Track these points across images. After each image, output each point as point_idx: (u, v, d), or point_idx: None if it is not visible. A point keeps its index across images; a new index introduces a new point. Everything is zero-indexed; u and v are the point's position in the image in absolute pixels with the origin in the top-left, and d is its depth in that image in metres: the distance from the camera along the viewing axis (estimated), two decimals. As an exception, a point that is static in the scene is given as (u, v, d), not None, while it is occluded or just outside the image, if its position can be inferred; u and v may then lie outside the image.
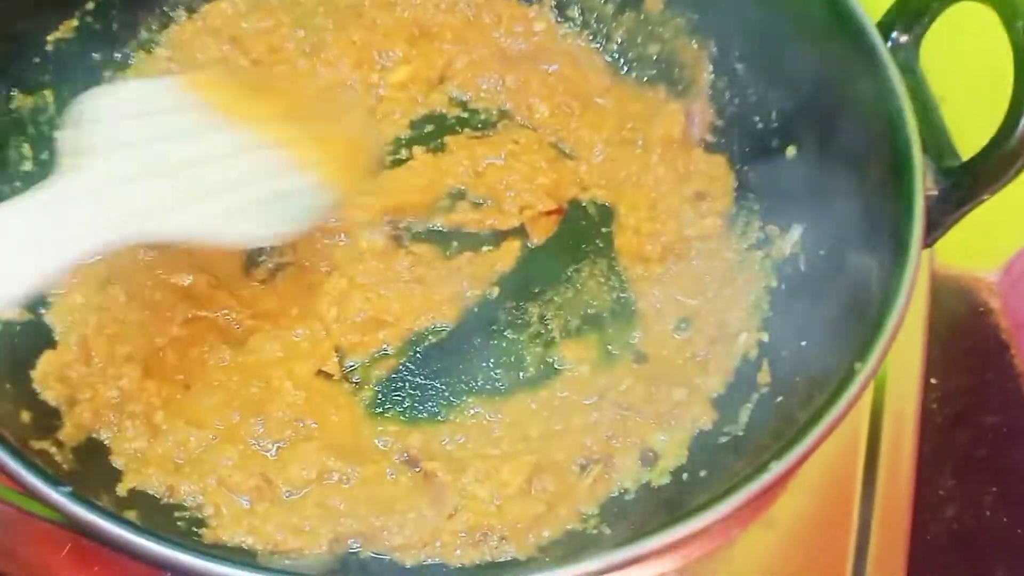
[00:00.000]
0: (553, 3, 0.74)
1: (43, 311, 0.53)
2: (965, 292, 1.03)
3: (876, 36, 0.57)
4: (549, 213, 0.62)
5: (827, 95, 0.61)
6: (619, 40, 0.73)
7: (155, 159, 0.52)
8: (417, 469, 0.52)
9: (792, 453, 0.46)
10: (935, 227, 0.56)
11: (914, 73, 0.59)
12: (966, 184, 0.55)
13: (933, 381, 0.98)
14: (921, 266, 0.65)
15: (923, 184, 0.54)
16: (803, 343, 0.56)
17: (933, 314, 1.03)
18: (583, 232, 0.63)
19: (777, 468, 0.46)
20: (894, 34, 0.59)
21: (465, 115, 0.68)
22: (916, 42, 0.60)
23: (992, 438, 0.94)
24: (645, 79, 0.72)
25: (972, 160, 0.55)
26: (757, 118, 0.66)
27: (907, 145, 0.53)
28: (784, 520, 0.64)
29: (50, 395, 0.51)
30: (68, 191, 0.49)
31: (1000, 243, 1.01)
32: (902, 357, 0.75)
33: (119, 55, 0.68)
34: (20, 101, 0.61)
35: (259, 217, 0.54)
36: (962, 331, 1.01)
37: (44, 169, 0.62)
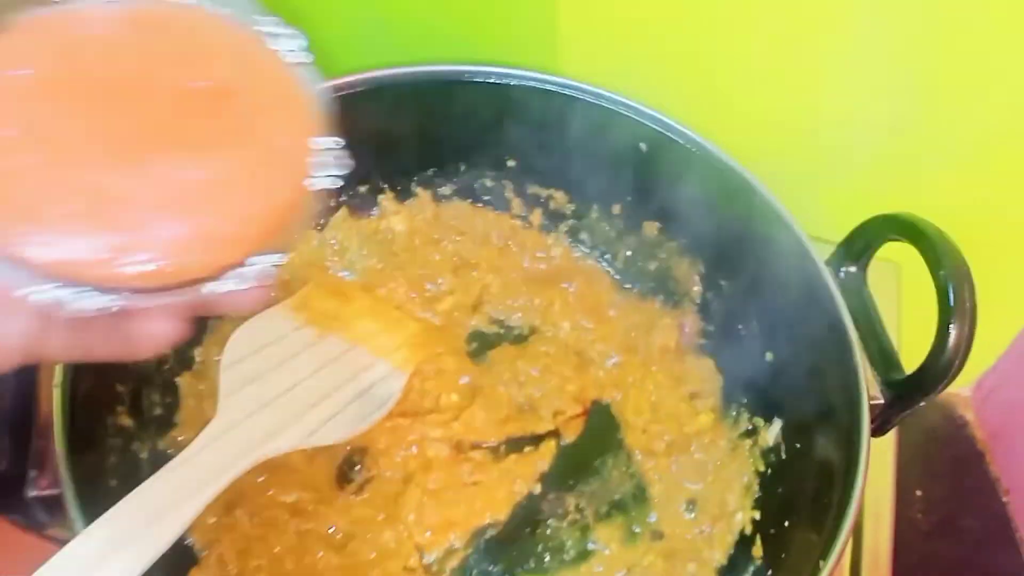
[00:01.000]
0: (566, 231, 0.82)
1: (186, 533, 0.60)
2: (943, 407, 1.11)
3: (828, 275, 0.66)
4: (577, 416, 0.72)
5: (793, 315, 0.70)
6: (623, 259, 0.82)
7: (273, 387, 0.60)
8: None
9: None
10: (884, 424, 0.65)
11: (862, 297, 0.68)
12: (908, 395, 0.63)
13: (918, 493, 1.06)
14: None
15: (869, 395, 0.62)
16: (786, 523, 0.65)
17: (915, 430, 1.12)
18: (605, 428, 0.72)
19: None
20: (843, 268, 0.69)
21: (502, 331, 0.77)
22: (863, 271, 0.69)
23: (971, 541, 1.02)
24: (645, 292, 0.82)
25: (911, 376, 0.63)
26: (740, 326, 0.76)
27: (855, 370, 0.62)
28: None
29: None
30: (207, 438, 0.56)
31: (971, 364, 1.13)
32: (878, 490, 0.80)
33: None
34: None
35: (353, 414, 0.63)
36: (942, 442, 1.09)
37: (169, 411, 0.69)
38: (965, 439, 1.11)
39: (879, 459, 0.76)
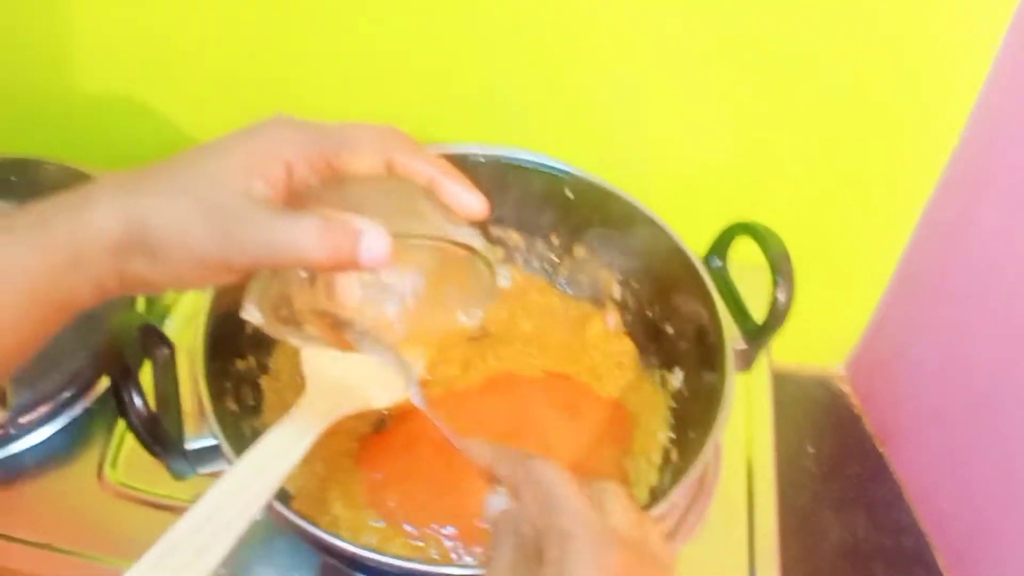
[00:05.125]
0: (521, 261, 1.01)
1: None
2: (824, 383, 1.31)
3: (701, 266, 0.85)
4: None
5: (681, 297, 0.88)
6: (563, 275, 1.01)
7: (338, 371, 0.76)
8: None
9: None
10: (748, 360, 0.84)
11: (726, 279, 0.86)
12: (758, 337, 0.82)
13: (810, 449, 1.21)
14: (763, 374, 0.97)
15: (732, 340, 0.80)
16: (691, 434, 0.81)
17: (804, 401, 1.33)
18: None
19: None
20: (713, 261, 0.88)
21: (479, 334, 0.94)
22: (724, 261, 0.88)
23: (857, 482, 1.18)
24: (580, 296, 1.00)
25: (759, 326, 0.81)
26: (648, 312, 0.94)
27: (720, 324, 0.80)
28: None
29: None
30: (299, 410, 0.71)
31: (841, 344, 1.29)
32: (760, 439, 0.92)
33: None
34: (239, 365, 0.86)
35: (393, 387, 0.78)
36: (826, 410, 1.28)
37: (258, 403, 0.86)
38: (843, 406, 1.28)
39: (760, 425, 0.94)
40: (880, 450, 1.24)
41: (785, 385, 0.99)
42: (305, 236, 0.48)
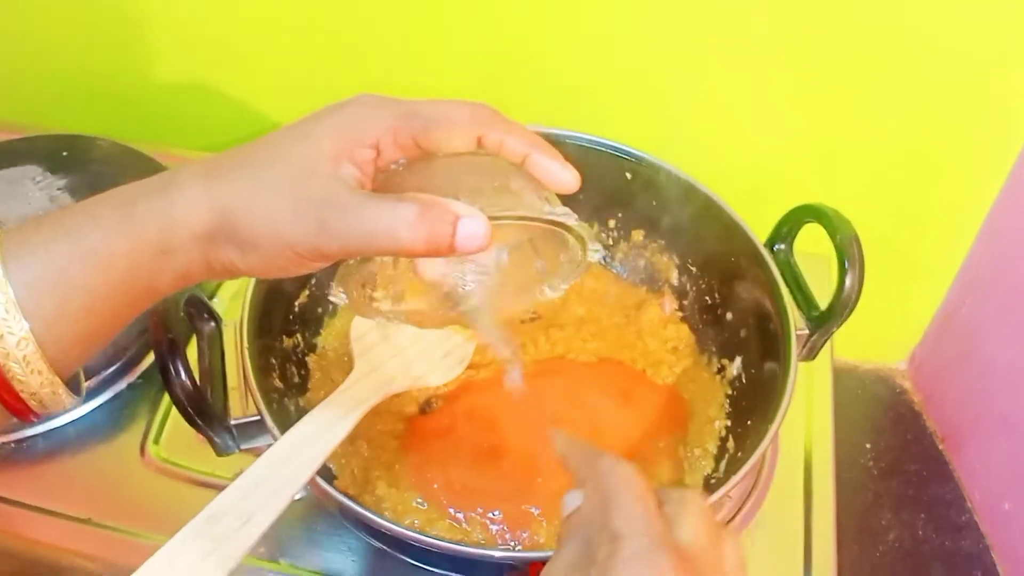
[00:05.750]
0: None
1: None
2: (885, 379, 1.29)
3: (765, 252, 0.82)
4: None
5: (744, 283, 0.86)
6: (619, 259, 0.99)
7: (387, 352, 0.78)
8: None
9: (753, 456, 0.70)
10: (812, 350, 0.81)
11: (789, 264, 0.84)
12: (823, 324, 0.78)
13: (868, 446, 1.25)
14: (825, 366, 0.94)
15: (796, 327, 0.78)
16: (749, 422, 0.80)
17: (863, 398, 1.32)
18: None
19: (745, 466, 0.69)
20: (776, 245, 0.85)
21: (534, 316, 0.92)
22: (790, 246, 0.85)
23: (916, 481, 1.17)
24: (636, 281, 0.98)
25: (824, 311, 0.78)
26: (707, 298, 0.92)
27: (785, 310, 0.78)
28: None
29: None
30: (349, 385, 0.73)
31: (903, 340, 1.28)
32: (820, 432, 0.90)
33: (332, 305, 0.92)
34: (286, 342, 0.86)
35: (443, 368, 0.81)
36: (886, 406, 1.27)
37: (304, 380, 0.86)
38: (904, 403, 1.27)
39: (820, 417, 0.92)
40: (940, 448, 1.23)
41: (844, 380, 1.01)
42: (403, 224, 0.46)
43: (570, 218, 0.53)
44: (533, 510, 0.78)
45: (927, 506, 1.16)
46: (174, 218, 0.48)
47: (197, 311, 0.78)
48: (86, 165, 1.07)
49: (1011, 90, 0.95)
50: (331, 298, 0.56)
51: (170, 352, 0.69)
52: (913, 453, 1.22)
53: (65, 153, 1.10)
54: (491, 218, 0.48)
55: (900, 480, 1.19)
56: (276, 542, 0.80)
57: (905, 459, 1.21)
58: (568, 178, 0.54)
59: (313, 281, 0.91)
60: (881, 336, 1.26)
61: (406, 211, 0.46)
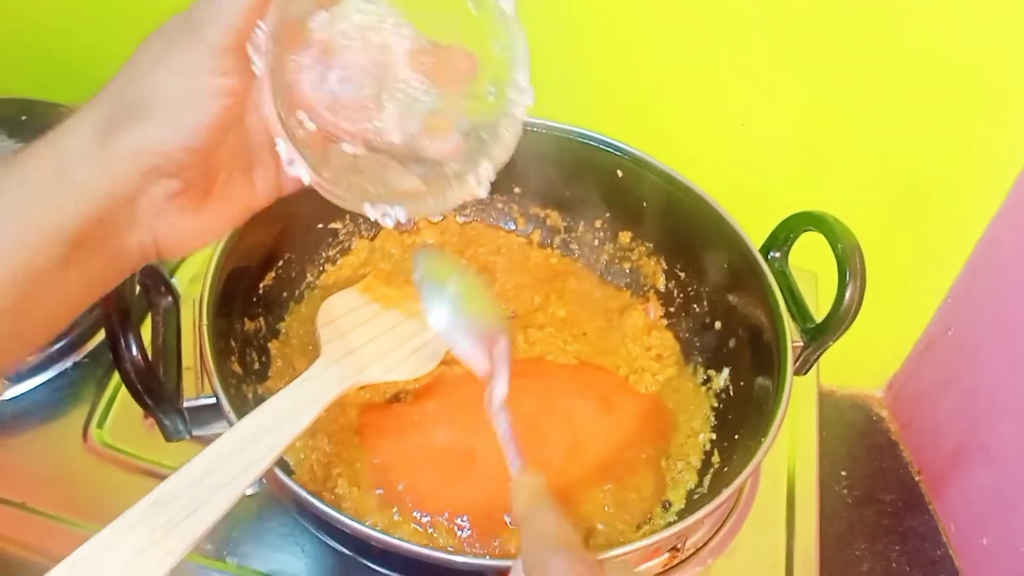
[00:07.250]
0: (559, 243, 0.97)
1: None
2: (862, 407, 1.29)
3: (760, 258, 0.79)
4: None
5: (736, 291, 0.83)
6: (603, 261, 0.96)
7: (356, 340, 0.74)
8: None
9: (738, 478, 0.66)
10: (804, 364, 0.78)
11: (784, 273, 0.81)
12: (819, 337, 0.76)
13: (843, 473, 1.24)
14: (811, 388, 0.93)
15: (791, 339, 0.74)
16: (736, 436, 0.77)
17: (839, 425, 1.30)
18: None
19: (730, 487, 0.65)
20: (771, 253, 0.82)
21: (512, 316, 0.89)
22: (786, 254, 0.83)
23: (891, 511, 1.17)
24: (620, 285, 0.95)
25: (821, 322, 0.76)
26: (695, 305, 0.89)
27: (781, 321, 0.75)
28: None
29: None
30: (315, 372, 0.69)
31: (881, 368, 1.28)
32: (804, 455, 0.88)
33: (299, 290, 0.89)
34: (247, 326, 0.81)
35: (413, 362, 0.76)
36: (862, 434, 1.27)
37: (264, 367, 0.82)
38: (881, 431, 1.26)
39: (804, 439, 0.90)
40: (916, 479, 1.21)
41: (821, 405, 0.96)
42: None
43: None
44: (505, 517, 0.72)
45: (901, 537, 1.15)
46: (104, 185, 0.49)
47: (154, 284, 0.73)
48: (44, 130, 1.00)
49: (1005, 123, 0.96)
50: (290, 170, 0.51)
51: (121, 324, 0.64)
52: (889, 482, 1.20)
53: (24, 118, 1.06)
54: None
55: (875, 510, 1.17)
56: (224, 539, 0.74)
57: (880, 488, 1.19)
58: None
59: (280, 264, 0.87)
60: (860, 362, 1.24)
61: None
